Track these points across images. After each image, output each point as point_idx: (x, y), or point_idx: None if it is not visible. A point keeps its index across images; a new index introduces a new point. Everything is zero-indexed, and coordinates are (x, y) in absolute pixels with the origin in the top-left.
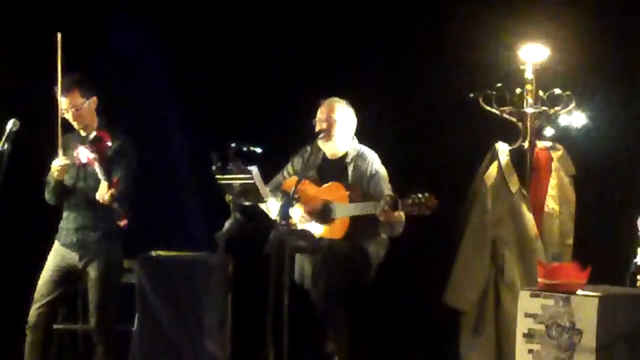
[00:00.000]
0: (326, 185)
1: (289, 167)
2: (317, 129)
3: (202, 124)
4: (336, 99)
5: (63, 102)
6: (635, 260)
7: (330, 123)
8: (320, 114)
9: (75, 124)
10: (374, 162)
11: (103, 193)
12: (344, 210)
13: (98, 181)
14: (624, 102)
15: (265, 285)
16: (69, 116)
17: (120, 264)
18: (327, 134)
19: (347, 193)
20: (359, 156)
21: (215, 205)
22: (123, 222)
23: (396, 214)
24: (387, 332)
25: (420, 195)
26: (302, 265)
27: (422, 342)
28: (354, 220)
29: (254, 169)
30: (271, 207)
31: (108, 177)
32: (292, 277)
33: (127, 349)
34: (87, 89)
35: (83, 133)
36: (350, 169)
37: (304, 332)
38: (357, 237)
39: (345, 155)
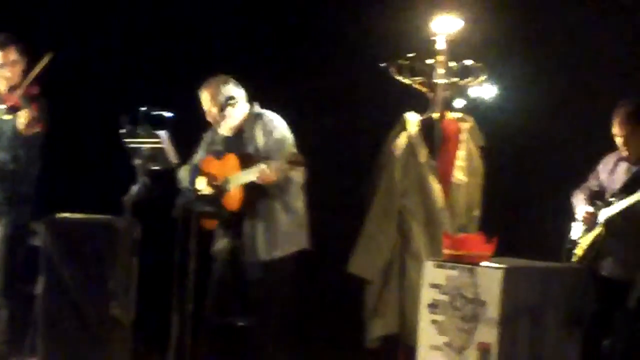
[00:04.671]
0: (223, 158)
1: (202, 143)
2: (208, 119)
3: (112, 87)
4: (210, 81)
5: None
6: (569, 236)
7: (213, 114)
8: (204, 105)
9: (4, 82)
10: (269, 125)
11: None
12: (235, 180)
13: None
14: (534, 75)
15: (172, 250)
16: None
17: (26, 226)
18: (216, 123)
19: (239, 162)
20: (257, 124)
21: (122, 168)
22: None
23: (269, 172)
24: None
25: (287, 154)
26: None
27: (326, 311)
28: (248, 189)
29: (162, 133)
30: (182, 177)
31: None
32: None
33: (32, 311)
34: (22, 49)
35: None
36: (246, 142)
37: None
38: (253, 206)
39: (243, 127)
